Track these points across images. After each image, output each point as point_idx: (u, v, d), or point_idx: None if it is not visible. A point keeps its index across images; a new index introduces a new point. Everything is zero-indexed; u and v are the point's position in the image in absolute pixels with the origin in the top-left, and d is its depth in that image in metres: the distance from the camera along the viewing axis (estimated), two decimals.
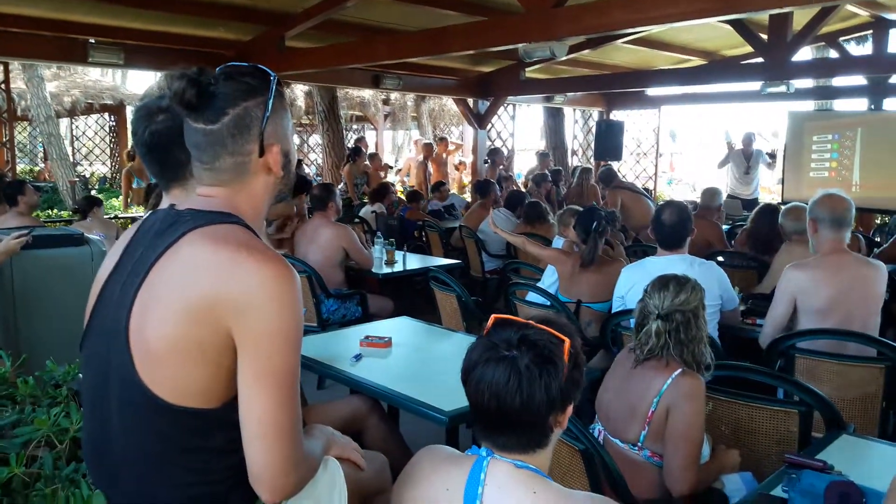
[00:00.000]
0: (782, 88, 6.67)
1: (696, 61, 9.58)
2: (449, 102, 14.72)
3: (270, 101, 1.22)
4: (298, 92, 12.33)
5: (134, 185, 7.96)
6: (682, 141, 22.41)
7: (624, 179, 8.42)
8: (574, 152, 12.70)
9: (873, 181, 8.27)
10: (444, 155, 10.53)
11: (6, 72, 6.55)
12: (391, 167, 10.20)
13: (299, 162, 6.28)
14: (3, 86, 6.44)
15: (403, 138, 20.89)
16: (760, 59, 7.09)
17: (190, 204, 1.25)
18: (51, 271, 3.45)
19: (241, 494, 1.18)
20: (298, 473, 1.18)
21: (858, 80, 8.72)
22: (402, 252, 5.13)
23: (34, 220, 5.11)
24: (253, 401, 1.12)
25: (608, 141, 10.71)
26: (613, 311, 3.29)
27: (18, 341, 3.38)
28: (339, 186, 9.19)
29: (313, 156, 14.17)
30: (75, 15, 6.23)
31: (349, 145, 10.31)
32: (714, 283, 3.04)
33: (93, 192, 11.53)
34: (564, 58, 6.67)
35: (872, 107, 8.75)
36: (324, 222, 4.57)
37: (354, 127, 16.62)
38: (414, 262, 5.18)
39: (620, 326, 3.12)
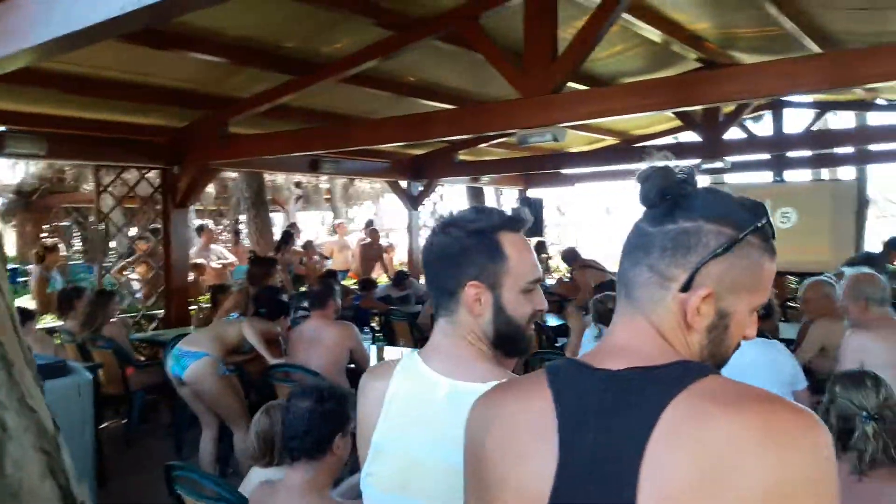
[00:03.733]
0: (718, 164, 7.12)
1: (609, 141, 10.10)
2: (359, 181, 14.57)
3: (741, 241, 0.91)
4: None
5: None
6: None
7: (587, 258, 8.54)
8: None
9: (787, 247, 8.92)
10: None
11: None
12: (328, 258, 9.79)
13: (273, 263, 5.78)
14: None
15: (315, 219, 20.51)
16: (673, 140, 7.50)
17: (621, 359, 0.93)
18: None
19: None
20: None
21: (763, 154, 9.46)
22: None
23: None
24: None
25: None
26: None
27: None
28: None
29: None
30: None
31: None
32: (787, 361, 2.97)
33: None
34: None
35: (777, 179, 9.59)
36: (324, 322, 4.14)
37: None
38: (397, 354, 4.85)
39: None
